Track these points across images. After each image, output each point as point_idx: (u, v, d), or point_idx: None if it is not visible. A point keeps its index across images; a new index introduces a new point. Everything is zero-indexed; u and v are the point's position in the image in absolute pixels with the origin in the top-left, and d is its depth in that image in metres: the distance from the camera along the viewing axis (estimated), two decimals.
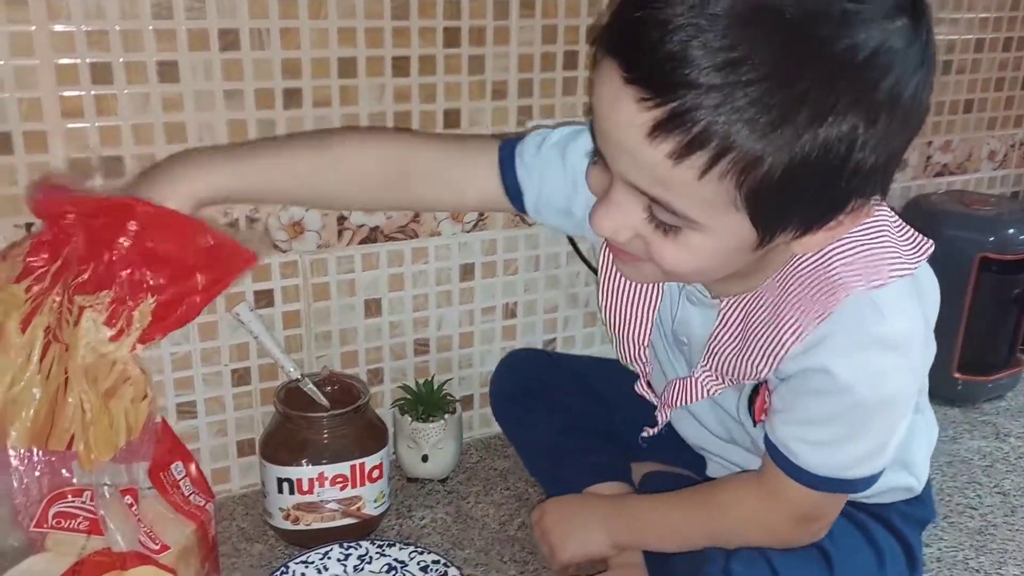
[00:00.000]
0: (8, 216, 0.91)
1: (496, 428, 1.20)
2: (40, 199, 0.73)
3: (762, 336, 0.75)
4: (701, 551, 0.84)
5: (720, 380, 0.83)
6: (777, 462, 0.79)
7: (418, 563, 0.96)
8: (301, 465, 0.98)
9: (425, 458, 1.12)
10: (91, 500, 0.77)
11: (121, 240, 0.70)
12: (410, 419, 1.11)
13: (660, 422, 0.92)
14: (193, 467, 0.86)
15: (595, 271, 1.20)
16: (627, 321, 0.87)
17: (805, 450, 0.77)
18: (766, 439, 0.80)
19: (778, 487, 0.79)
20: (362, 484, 1.00)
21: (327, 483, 0.98)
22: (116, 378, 0.71)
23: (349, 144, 0.86)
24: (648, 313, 0.86)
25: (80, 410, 0.70)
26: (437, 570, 0.95)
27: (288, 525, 1.00)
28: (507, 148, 0.88)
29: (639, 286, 0.85)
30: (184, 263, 0.72)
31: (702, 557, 0.83)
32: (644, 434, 0.95)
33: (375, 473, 1.01)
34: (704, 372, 0.83)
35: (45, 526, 0.76)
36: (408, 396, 1.14)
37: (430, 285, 1.15)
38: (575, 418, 1.07)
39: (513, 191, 0.87)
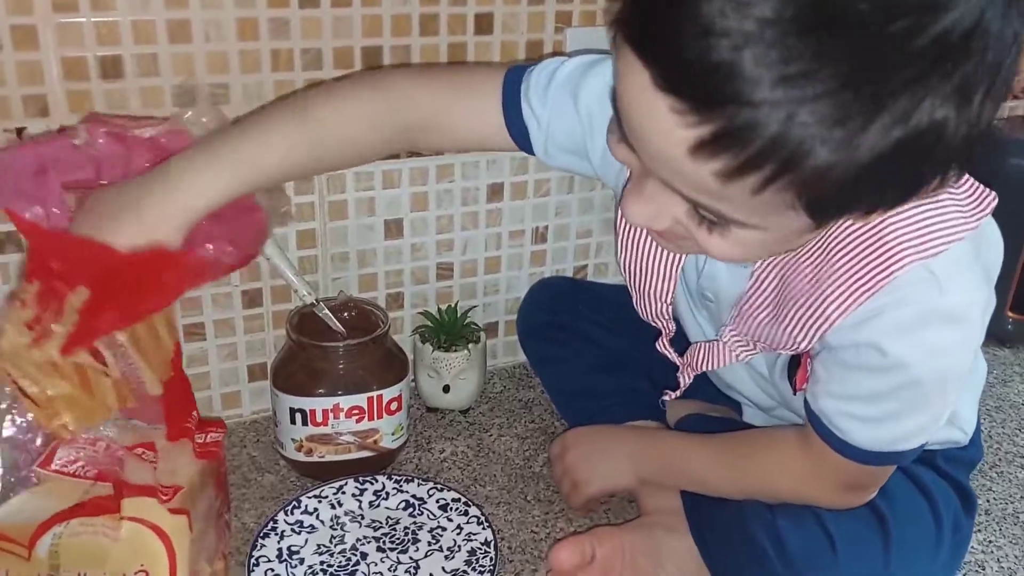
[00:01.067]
0: None
1: (522, 357, 1.15)
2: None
3: (802, 306, 0.67)
4: (740, 502, 0.79)
5: (751, 346, 0.76)
6: (821, 434, 0.73)
7: (437, 501, 0.91)
8: (315, 395, 0.92)
9: (446, 389, 1.06)
10: (104, 449, 0.73)
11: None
12: (431, 348, 1.05)
13: (682, 384, 0.86)
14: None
15: None
16: (649, 276, 0.79)
17: (853, 426, 0.70)
18: (807, 407, 0.74)
19: (824, 456, 0.73)
20: (379, 417, 0.94)
21: (342, 415, 0.93)
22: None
23: (333, 112, 0.75)
24: (672, 268, 0.78)
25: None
26: (457, 509, 0.90)
27: (301, 456, 0.95)
28: (511, 86, 0.78)
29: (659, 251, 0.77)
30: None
31: (744, 509, 0.78)
32: (665, 397, 0.90)
33: (393, 406, 0.95)
34: (733, 336, 0.76)
35: (50, 468, 0.72)
36: (429, 323, 1.08)
37: (455, 205, 1.07)
38: (607, 353, 1.01)
39: (520, 135, 0.79)
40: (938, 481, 0.82)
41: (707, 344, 0.80)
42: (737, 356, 0.77)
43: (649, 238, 0.76)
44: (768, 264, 0.70)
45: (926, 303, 0.63)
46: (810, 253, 0.66)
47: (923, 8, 0.47)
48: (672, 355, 0.85)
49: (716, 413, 0.98)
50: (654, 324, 0.84)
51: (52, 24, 0.82)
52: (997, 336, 1.31)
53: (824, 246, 0.65)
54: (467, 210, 1.08)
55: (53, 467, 0.72)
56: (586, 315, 1.04)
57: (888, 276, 0.63)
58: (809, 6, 0.46)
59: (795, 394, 0.76)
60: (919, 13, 0.47)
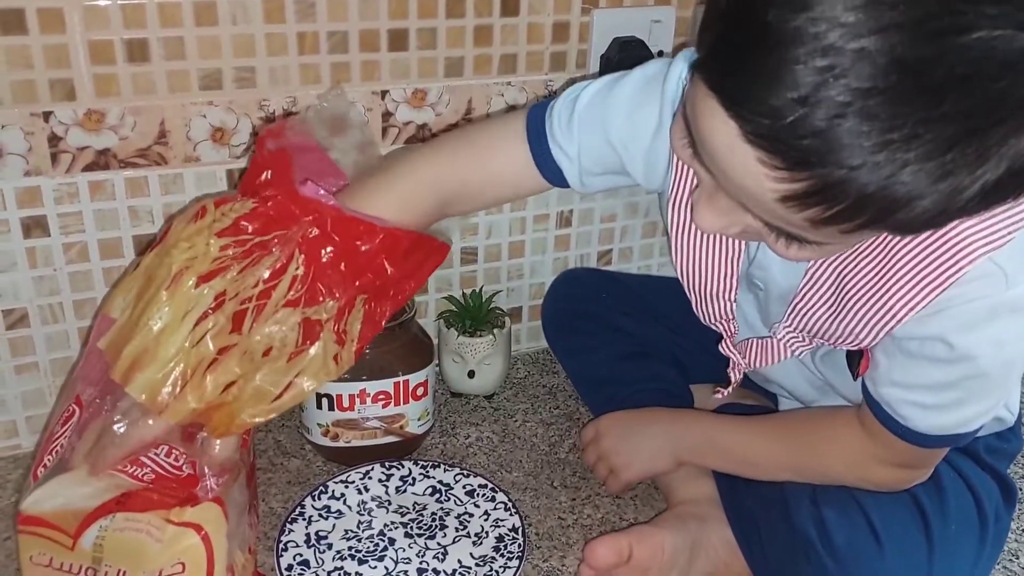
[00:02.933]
0: (24, 103, 0.83)
1: (545, 343, 1.14)
2: (279, 163, 0.74)
3: (866, 303, 0.66)
4: (782, 492, 0.77)
5: (806, 342, 0.75)
6: (881, 419, 0.72)
7: (464, 487, 0.91)
8: (341, 380, 0.92)
9: (471, 374, 1.06)
10: (166, 455, 0.72)
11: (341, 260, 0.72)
12: (456, 333, 1.05)
13: (733, 381, 0.84)
14: None
15: None
16: (709, 277, 0.77)
17: (915, 413, 0.69)
18: (866, 393, 0.73)
19: (882, 437, 0.72)
20: (405, 402, 0.94)
21: (368, 400, 0.92)
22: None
23: (382, 204, 0.76)
24: (733, 265, 0.76)
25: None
26: (484, 495, 0.90)
27: (327, 441, 0.95)
28: (535, 130, 0.77)
29: (718, 237, 0.74)
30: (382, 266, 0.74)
31: (787, 500, 0.76)
32: (717, 395, 0.88)
33: (419, 391, 0.95)
34: (787, 333, 0.75)
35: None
36: (454, 308, 1.07)
37: None
38: (633, 341, 1.00)
39: (554, 176, 0.78)
40: (981, 475, 0.81)
41: (759, 341, 0.79)
42: (792, 351, 0.76)
43: (705, 240, 0.75)
44: (825, 261, 0.68)
45: (994, 297, 0.62)
46: (870, 249, 0.65)
47: (1021, 63, 0.46)
48: (736, 356, 0.82)
49: (751, 401, 0.97)
50: (715, 327, 0.82)
51: (79, 8, 0.81)
52: None
53: (885, 243, 0.64)
54: None
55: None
56: (610, 304, 1.03)
57: (958, 272, 0.62)
58: (909, 74, 0.45)
59: (855, 380, 0.75)
60: (1018, 69, 0.45)
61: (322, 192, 0.73)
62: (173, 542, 0.68)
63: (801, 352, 0.76)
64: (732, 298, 0.78)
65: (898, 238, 0.63)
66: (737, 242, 0.74)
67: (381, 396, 0.93)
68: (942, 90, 0.45)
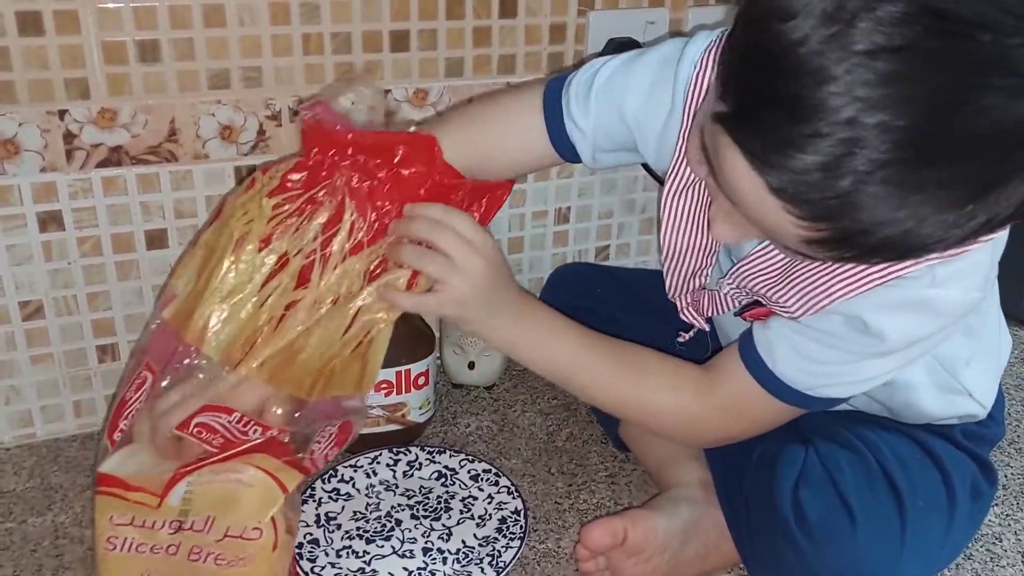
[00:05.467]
0: (40, 102, 0.86)
1: None
2: (315, 126, 0.74)
3: (809, 280, 0.70)
4: (773, 473, 0.79)
5: (747, 297, 0.78)
6: (747, 357, 0.76)
7: (468, 472, 0.94)
8: None
9: (472, 365, 1.09)
10: (237, 421, 0.74)
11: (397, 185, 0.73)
12: None
13: (692, 324, 0.86)
14: None
15: (656, 178, 1.13)
16: (692, 257, 0.80)
17: (789, 357, 0.73)
18: (748, 334, 0.77)
19: (733, 382, 0.77)
20: (407, 391, 0.97)
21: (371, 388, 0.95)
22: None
23: None
24: (714, 246, 0.79)
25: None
26: (488, 479, 0.93)
27: None
28: (551, 104, 0.80)
29: (704, 227, 0.77)
30: (451, 202, 0.75)
31: (774, 484, 0.78)
32: (679, 339, 0.89)
33: (421, 380, 0.98)
34: (730, 287, 0.78)
35: (185, 431, 0.73)
36: None
37: None
38: (629, 334, 1.02)
39: (567, 151, 0.81)
40: (955, 453, 0.83)
41: (709, 293, 0.82)
42: (736, 302, 0.79)
43: (692, 227, 0.78)
44: None
45: (916, 292, 0.66)
46: None
47: None
48: (694, 316, 0.85)
49: None
50: (679, 300, 0.85)
51: (93, 9, 0.85)
52: (1018, 317, 1.31)
53: None
54: None
55: (189, 431, 0.74)
56: (606, 298, 1.05)
57: (903, 271, 0.65)
58: (926, 143, 0.49)
59: (736, 316, 0.79)
60: None
61: (348, 126, 0.74)
62: (261, 488, 0.71)
63: (740, 304, 0.80)
64: (707, 275, 0.82)
65: None
66: None
67: (384, 385, 0.96)
68: (958, 154, 0.49)
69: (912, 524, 0.74)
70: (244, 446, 0.73)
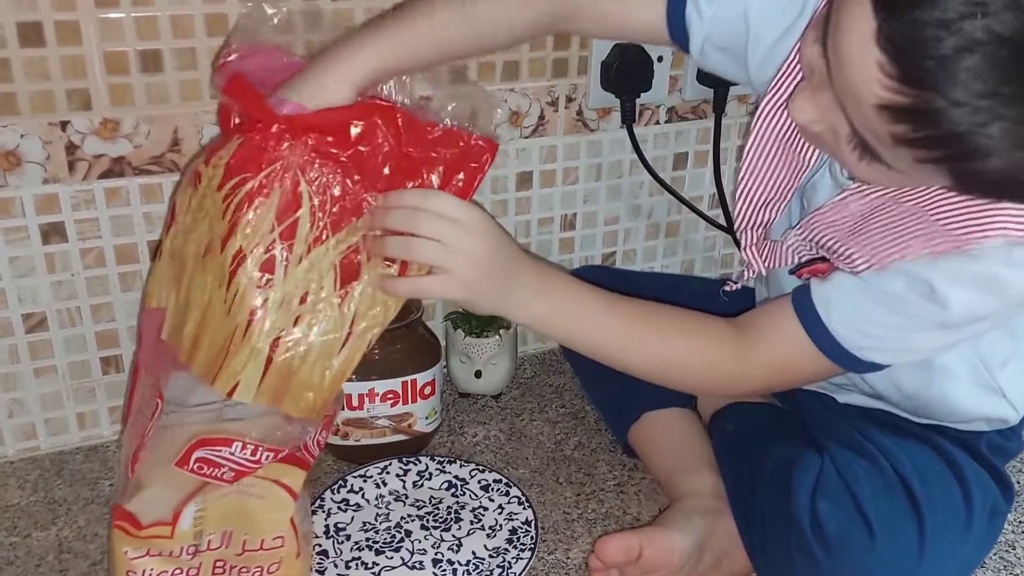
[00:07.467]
0: (42, 112, 0.86)
1: (552, 343, 1.16)
2: (236, 92, 0.69)
3: (884, 233, 0.69)
4: (789, 483, 0.78)
5: (812, 251, 0.77)
6: (802, 309, 0.74)
7: (479, 482, 0.93)
8: (351, 380, 0.93)
9: (478, 374, 1.08)
10: (240, 450, 0.71)
11: (374, 153, 0.68)
12: (463, 334, 1.07)
13: (745, 275, 0.82)
14: None
15: (661, 182, 1.13)
16: (772, 183, 0.78)
17: (848, 316, 0.72)
18: (803, 287, 0.76)
19: (772, 331, 0.76)
20: (413, 401, 0.96)
21: (377, 399, 0.95)
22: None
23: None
24: (796, 177, 0.78)
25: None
26: (499, 489, 0.92)
27: (337, 440, 0.97)
28: None
29: (792, 150, 0.77)
30: (432, 165, 0.69)
31: (790, 492, 0.77)
32: (726, 287, 0.85)
33: (427, 390, 0.97)
34: (796, 239, 0.77)
35: (186, 468, 0.72)
36: (460, 310, 1.09)
37: (485, 193, 1.08)
38: None
39: (679, 33, 0.79)
40: (977, 469, 0.82)
41: (770, 244, 0.80)
42: (798, 256, 0.78)
43: (780, 150, 0.77)
44: (861, 193, 0.71)
45: (990, 268, 0.66)
46: (917, 195, 0.68)
47: None
48: (753, 257, 0.82)
49: (759, 399, 0.98)
50: (745, 235, 0.81)
51: (94, 19, 0.84)
52: None
53: (925, 201, 0.68)
54: (496, 198, 1.09)
55: (190, 468, 0.72)
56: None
57: (979, 240, 0.65)
58: None
59: (790, 274, 0.78)
60: None
61: (285, 102, 0.69)
62: (272, 499, 0.70)
63: (805, 258, 0.78)
64: (782, 208, 0.80)
65: (946, 194, 0.66)
66: (807, 156, 0.76)
67: (390, 395, 0.95)
68: None
69: (930, 539, 0.73)
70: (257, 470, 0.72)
